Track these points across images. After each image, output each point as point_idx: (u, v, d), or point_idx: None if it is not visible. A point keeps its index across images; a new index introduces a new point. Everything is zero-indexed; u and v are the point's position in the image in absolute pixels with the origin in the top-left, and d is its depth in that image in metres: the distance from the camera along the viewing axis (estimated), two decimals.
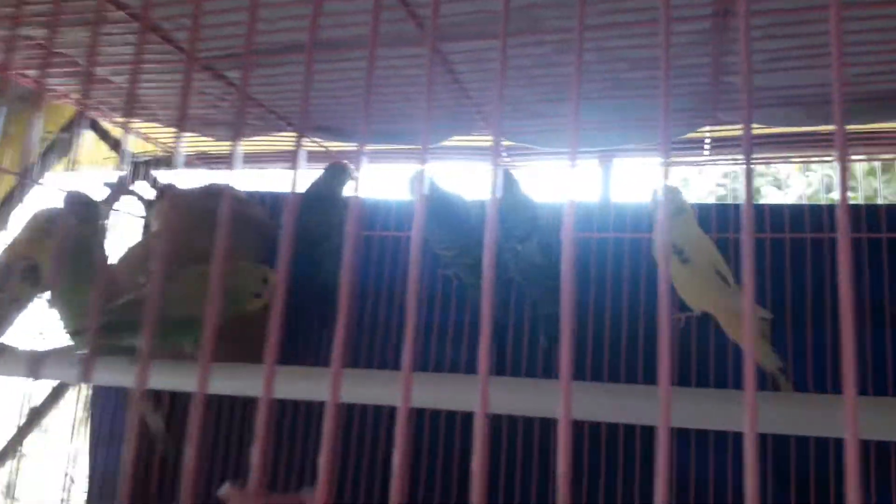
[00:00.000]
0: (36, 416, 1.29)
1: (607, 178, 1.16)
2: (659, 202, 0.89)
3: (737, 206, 1.07)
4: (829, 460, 0.98)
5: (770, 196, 2.76)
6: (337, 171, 1.14)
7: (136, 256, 1.10)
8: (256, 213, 1.16)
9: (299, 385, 0.80)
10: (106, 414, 1.23)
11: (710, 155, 1.07)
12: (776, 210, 1.04)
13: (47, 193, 1.38)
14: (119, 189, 1.21)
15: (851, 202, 1.11)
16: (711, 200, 1.03)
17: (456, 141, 1.12)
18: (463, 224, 1.00)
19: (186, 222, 1.13)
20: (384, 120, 1.02)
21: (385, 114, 0.99)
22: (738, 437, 0.91)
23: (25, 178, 1.19)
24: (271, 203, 1.25)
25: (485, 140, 1.09)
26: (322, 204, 1.07)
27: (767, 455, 0.99)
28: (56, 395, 1.29)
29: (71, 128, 1.23)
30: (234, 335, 1.07)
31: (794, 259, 1.03)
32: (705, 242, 0.87)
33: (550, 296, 0.97)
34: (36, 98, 1.01)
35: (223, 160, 1.35)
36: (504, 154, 1.14)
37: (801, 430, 0.71)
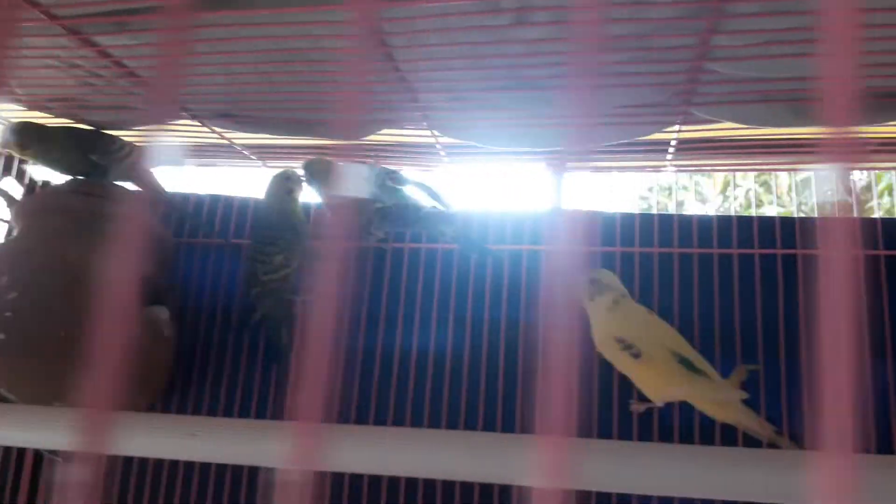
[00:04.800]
0: None
1: (557, 185, 1.03)
2: (589, 292, 0.79)
3: (661, 217, 0.96)
4: None
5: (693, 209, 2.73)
6: (278, 183, 0.98)
7: None
8: (147, 218, 0.96)
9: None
10: None
11: (672, 160, 0.95)
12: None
13: None
14: None
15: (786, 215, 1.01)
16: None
17: (388, 136, 0.96)
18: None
19: (59, 226, 0.92)
20: (301, 107, 0.85)
21: (302, 100, 0.82)
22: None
23: None
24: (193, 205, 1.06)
25: (425, 136, 0.94)
26: (265, 225, 0.97)
27: None
28: None
29: None
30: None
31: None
32: (657, 328, 0.76)
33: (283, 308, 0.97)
34: None
35: None
36: (442, 152, 0.99)
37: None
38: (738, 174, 1.82)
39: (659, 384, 0.76)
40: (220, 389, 1.01)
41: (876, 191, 1.18)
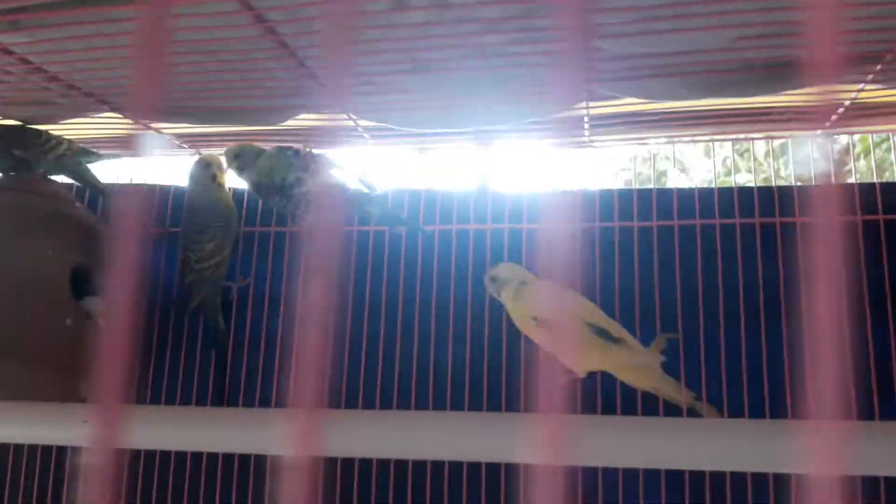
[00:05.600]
0: None
1: (486, 164, 1.04)
2: (495, 289, 0.82)
3: (641, 192, 0.97)
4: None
5: (675, 180, 2.74)
6: (201, 170, 0.99)
7: None
8: (75, 213, 0.98)
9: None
10: None
11: (590, 136, 0.96)
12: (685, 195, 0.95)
13: None
14: None
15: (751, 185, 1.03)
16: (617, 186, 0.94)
17: (310, 120, 0.97)
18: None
19: None
20: (216, 96, 0.86)
21: (210, 89, 0.83)
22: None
23: None
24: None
25: (344, 120, 0.95)
26: (195, 213, 0.98)
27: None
28: None
29: None
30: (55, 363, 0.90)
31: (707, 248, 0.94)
32: (568, 302, 0.78)
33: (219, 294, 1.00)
34: None
35: None
36: (365, 135, 1.00)
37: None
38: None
39: (579, 356, 0.78)
40: (162, 377, 1.03)
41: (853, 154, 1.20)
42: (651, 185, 1.08)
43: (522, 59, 0.72)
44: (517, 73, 0.75)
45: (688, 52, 0.69)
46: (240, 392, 1.01)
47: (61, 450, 0.98)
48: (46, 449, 0.99)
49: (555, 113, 0.85)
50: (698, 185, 1.26)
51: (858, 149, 1.58)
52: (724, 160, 1.92)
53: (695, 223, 0.94)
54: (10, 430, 0.68)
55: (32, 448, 0.99)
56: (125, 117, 0.94)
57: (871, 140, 0.96)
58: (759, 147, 1.93)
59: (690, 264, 0.94)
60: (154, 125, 1.00)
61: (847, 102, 0.87)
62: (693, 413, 0.82)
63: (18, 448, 0.99)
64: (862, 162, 1.60)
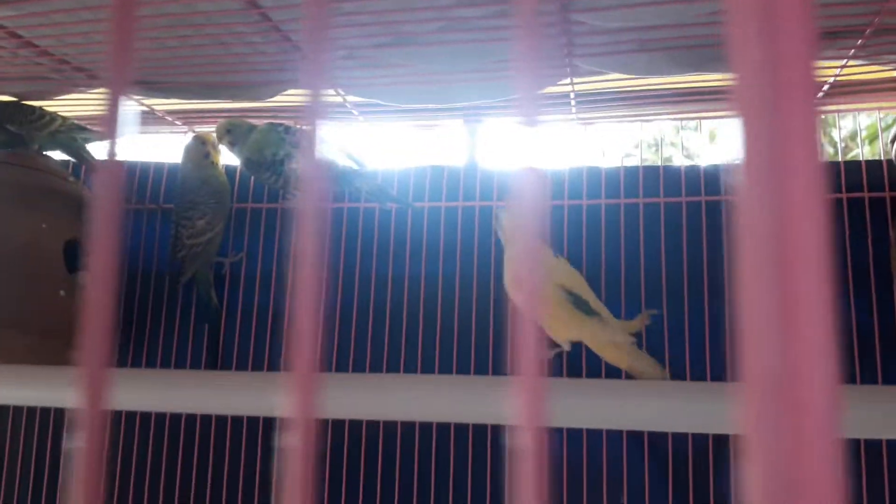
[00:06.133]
0: None
1: (473, 140, 1.05)
2: (500, 224, 0.83)
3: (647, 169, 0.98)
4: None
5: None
6: (194, 148, 1.00)
7: None
8: (69, 187, 0.99)
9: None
10: None
11: (577, 113, 0.97)
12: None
13: None
14: None
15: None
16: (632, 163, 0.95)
17: (299, 96, 0.98)
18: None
19: None
20: (200, 71, 0.87)
21: (198, 63, 0.84)
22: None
23: None
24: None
25: (332, 95, 0.95)
26: (187, 190, 1.00)
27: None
28: None
29: None
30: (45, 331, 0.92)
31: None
32: (556, 271, 0.78)
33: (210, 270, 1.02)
34: None
35: None
36: (354, 111, 1.01)
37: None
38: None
39: (558, 326, 0.79)
40: (156, 347, 1.05)
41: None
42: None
43: (504, 32, 0.72)
44: (499, 46, 0.75)
45: (669, 26, 0.70)
46: (232, 365, 1.03)
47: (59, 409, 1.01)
48: (45, 409, 1.03)
49: (540, 88, 0.85)
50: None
51: (865, 134, 1.58)
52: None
53: (676, 200, 0.95)
54: (9, 392, 0.71)
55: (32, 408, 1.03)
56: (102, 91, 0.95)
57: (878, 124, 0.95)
58: None
59: (670, 243, 0.95)
60: (146, 101, 1.01)
61: (831, 79, 0.87)
62: None
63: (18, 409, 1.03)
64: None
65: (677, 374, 0.91)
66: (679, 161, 1.11)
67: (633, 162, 1.00)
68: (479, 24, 0.71)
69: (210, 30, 0.73)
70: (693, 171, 0.96)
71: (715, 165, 0.96)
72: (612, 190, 0.97)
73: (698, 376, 0.93)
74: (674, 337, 0.93)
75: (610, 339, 0.79)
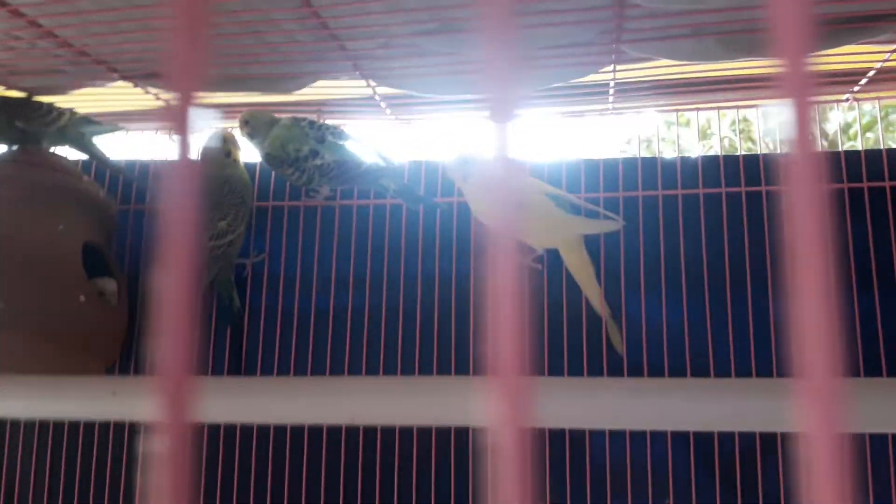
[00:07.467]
0: None
1: (500, 132, 1.02)
2: (462, 174, 0.85)
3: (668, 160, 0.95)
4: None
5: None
6: (213, 144, 0.96)
7: None
8: (84, 187, 0.95)
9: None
10: None
11: (614, 102, 0.94)
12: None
13: None
14: None
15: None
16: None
17: (327, 89, 0.95)
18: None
19: None
20: (230, 62, 0.83)
21: (230, 55, 0.80)
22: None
23: None
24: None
25: (362, 87, 0.92)
26: (210, 193, 0.95)
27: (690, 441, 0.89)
28: None
29: None
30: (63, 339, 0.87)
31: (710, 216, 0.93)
32: (527, 182, 0.83)
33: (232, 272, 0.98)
34: None
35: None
36: (383, 105, 0.97)
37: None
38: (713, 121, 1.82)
39: (540, 226, 0.81)
40: None
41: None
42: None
43: (551, 17, 0.69)
44: (547, 31, 0.72)
45: (727, 10, 0.67)
46: (256, 370, 0.99)
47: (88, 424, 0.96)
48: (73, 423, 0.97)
49: (581, 76, 0.83)
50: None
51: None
52: (722, 139, 1.90)
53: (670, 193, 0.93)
54: (41, 405, 0.65)
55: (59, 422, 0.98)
56: (135, 86, 0.91)
57: None
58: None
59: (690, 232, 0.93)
60: (164, 96, 0.97)
61: (878, 65, 0.85)
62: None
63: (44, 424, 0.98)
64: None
65: (699, 370, 0.90)
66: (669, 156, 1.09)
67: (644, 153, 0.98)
68: (527, 8, 0.68)
69: (246, 16, 0.70)
70: (711, 162, 0.94)
71: (734, 156, 0.94)
72: (630, 182, 0.94)
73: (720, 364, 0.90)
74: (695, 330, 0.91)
75: (587, 229, 0.82)
